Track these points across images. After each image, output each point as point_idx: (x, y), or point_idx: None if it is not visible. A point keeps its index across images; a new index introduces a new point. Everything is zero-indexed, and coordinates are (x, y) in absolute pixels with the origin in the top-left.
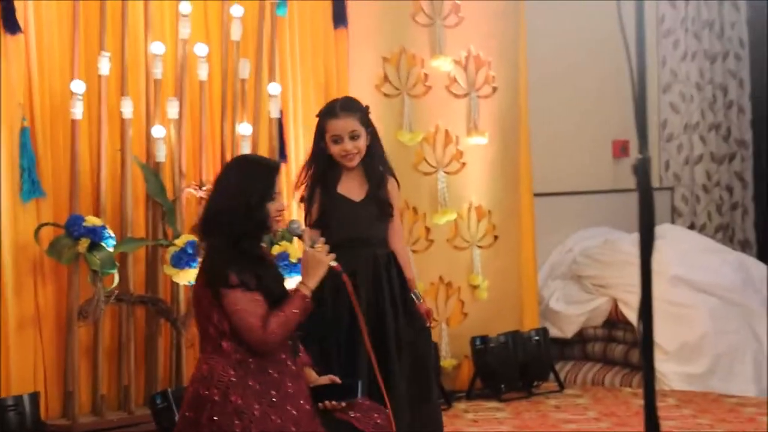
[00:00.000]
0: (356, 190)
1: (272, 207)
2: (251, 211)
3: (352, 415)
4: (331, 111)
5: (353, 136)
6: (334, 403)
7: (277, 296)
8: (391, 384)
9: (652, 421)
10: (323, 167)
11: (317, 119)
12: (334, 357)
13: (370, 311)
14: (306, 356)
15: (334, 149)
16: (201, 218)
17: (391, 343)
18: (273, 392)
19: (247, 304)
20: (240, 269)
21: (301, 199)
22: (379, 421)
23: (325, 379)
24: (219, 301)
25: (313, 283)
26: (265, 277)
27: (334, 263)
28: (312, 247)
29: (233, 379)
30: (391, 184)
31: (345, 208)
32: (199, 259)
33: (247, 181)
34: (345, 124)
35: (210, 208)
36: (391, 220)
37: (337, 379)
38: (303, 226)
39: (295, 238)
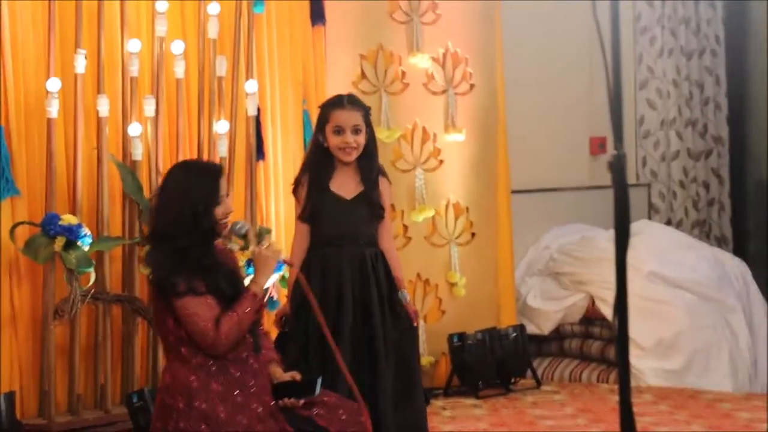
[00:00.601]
0: (348, 187)
1: (219, 211)
2: (199, 219)
3: (315, 412)
4: (338, 102)
5: (356, 130)
6: (292, 400)
7: (230, 297)
8: (380, 384)
9: (627, 417)
10: (318, 158)
11: (320, 110)
12: (312, 355)
13: (356, 310)
14: (273, 352)
15: (335, 140)
16: (150, 230)
17: (380, 342)
18: (237, 392)
19: (197, 308)
20: (187, 275)
21: (294, 186)
22: (344, 417)
23: (286, 376)
24: (171, 309)
25: (264, 280)
26: (216, 279)
27: (283, 256)
28: (259, 244)
29: (195, 385)
30: (383, 185)
31: (335, 205)
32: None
33: (191, 189)
34: (350, 117)
35: (158, 220)
36: (381, 220)
37: (298, 376)
38: (247, 227)
39: (239, 239)
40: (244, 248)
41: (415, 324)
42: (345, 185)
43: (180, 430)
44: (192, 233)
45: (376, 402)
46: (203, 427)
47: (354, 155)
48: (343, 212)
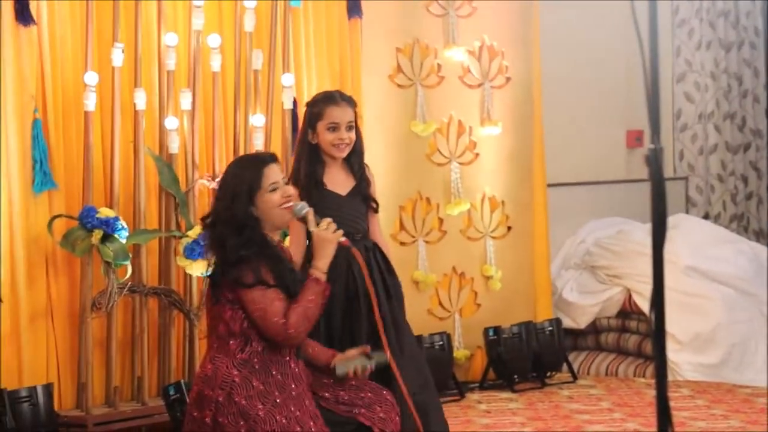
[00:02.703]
0: (341, 183)
1: (274, 197)
2: (238, 206)
3: (356, 412)
4: (331, 98)
5: (350, 127)
6: (362, 367)
7: (293, 287)
8: (392, 376)
9: (664, 411)
10: (309, 156)
11: (309, 107)
12: (336, 335)
13: (364, 300)
14: (324, 349)
15: (329, 137)
16: (208, 222)
17: (390, 330)
18: (276, 393)
19: (266, 303)
20: (255, 266)
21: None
22: (382, 415)
23: (354, 352)
24: (237, 300)
25: (324, 264)
26: (281, 270)
27: (342, 239)
28: (318, 226)
29: (237, 380)
30: (369, 175)
31: (333, 202)
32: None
33: (236, 179)
34: (345, 113)
35: (212, 212)
36: (372, 213)
37: (368, 349)
38: (307, 208)
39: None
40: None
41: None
42: (338, 181)
43: (217, 423)
44: (239, 222)
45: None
46: (241, 422)
47: (347, 151)
48: (341, 208)
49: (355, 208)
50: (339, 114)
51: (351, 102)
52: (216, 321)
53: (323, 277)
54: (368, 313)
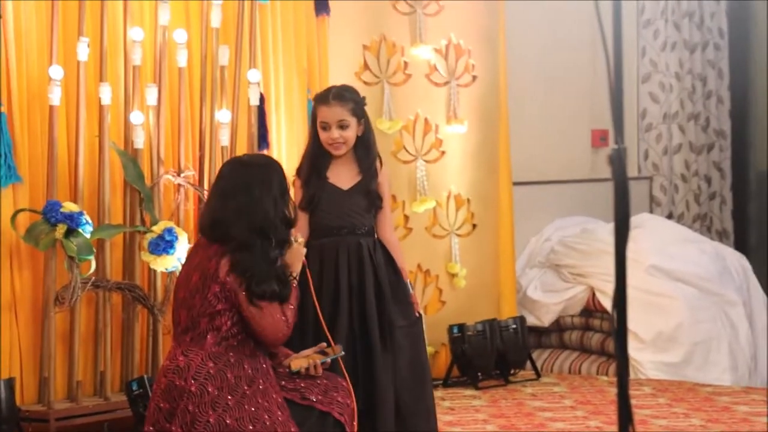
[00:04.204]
0: (345, 178)
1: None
2: (280, 209)
3: (314, 399)
4: (323, 98)
5: (341, 126)
6: (320, 362)
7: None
8: (377, 375)
9: (625, 409)
10: (315, 149)
11: (313, 101)
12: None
13: (353, 300)
14: (281, 348)
15: (322, 135)
16: (247, 224)
17: (374, 332)
18: (245, 387)
19: (278, 312)
20: (279, 281)
21: (295, 176)
22: (339, 399)
23: (308, 351)
24: (248, 306)
25: (296, 274)
26: (289, 281)
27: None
28: (295, 241)
29: (212, 372)
30: (383, 176)
31: (333, 195)
32: (224, 258)
33: (264, 182)
34: (334, 113)
35: (256, 213)
36: (380, 211)
37: (323, 346)
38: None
39: None
40: None
41: (417, 314)
42: (342, 175)
43: (188, 412)
44: (281, 230)
45: (374, 391)
46: (210, 412)
47: (343, 149)
48: (340, 202)
49: (356, 203)
50: (327, 114)
51: (345, 100)
52: (197, 316)
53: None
54: (349, 308)
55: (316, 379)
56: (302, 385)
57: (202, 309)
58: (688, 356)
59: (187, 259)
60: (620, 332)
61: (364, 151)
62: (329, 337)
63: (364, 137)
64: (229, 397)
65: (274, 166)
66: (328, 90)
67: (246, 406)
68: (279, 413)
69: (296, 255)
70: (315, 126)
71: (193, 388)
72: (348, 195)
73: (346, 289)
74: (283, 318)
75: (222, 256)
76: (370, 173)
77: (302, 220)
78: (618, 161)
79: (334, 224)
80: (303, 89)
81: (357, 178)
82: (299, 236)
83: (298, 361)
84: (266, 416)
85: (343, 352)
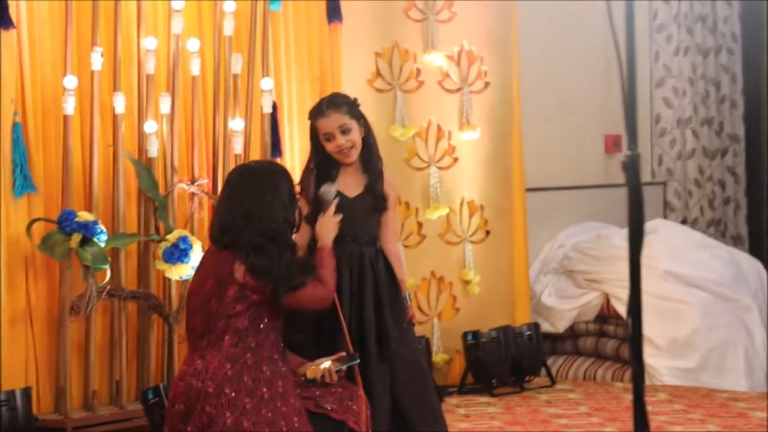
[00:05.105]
0: (352, 185)
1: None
2: (291, 213)
3: (329, 408)
4: (318, 111)
5: (344, 130)
6: (335, 369)
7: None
8: (373, 384)
9: (641, 415)
10: (320, 161)
11: (310, 120)
12: (313, 345)
13: (352, 304)
14: (294, 356)
15: (329, 147)
16: (257, 229)
17: (371, 341)
18: (264, 389)
19: (313, 286)
20: (302, 271)
21: (300, 189)
22: (355, 408)
23: (323, 360)
24: (282, 301)
25: (329, 243)
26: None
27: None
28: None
29: (229, 373)
30: (388, 185)
31: (338, 203)
32: (238, 261)
33: (275, 190)
34: (332, 121)
35: (266, 218)
36: (384, 217)
37: (343, 353)
38: (335, 193)
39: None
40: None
41: (411, 321)
42: (349, 183)
43: (205, 413)
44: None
45: (368, 399)
46: (228, 414)
47: (354, 154)
48: (345, 211)
49: (362, 211)
50: (327, 124)
51: (339, 105)
52: (213, 318)
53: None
54: (348, 316)
55: (331, 387)
56: (317, 393)
57: (220, 311)
58: (704, 362)
59: (199, 266)
60: (635, 339)
61: (367, 153)
62: (349, 343)
63: (366, 140)
64: (247, 400)
65: (282, 173)
66: (320, 103)
67: (263, 411)
68: (296, 419)
69: (330, 226)
70: (317, 141)
71: (210, 390)
72: (353, 202)
73: (347, 296)
74: (321, 286)
75: (235, 259)
76: (374, 174)
77: (305, 231)
78: (632, 167)
79: (338, 232)
80: (315, 97)
81: (363, 184)
82: (338, 215)
83: (314, 369)
84: (282, 422)
85: (359, 360)
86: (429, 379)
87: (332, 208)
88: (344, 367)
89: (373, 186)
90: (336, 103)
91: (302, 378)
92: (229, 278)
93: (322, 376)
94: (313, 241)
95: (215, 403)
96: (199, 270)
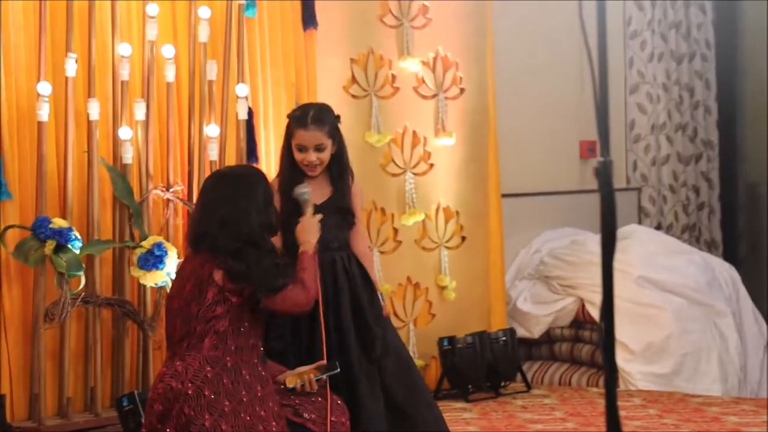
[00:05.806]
0: (319, 192)
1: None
2: (268, 216)
3: (307, 417)
4: (301, 121)
5: (319, 149)
6: (314, 378)
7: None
8: (353, 383)
9: (614, 421)
10: (287, 167)
11: (287, 119)
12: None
13: (328, 311)
14: (274, 364)
15: (298, 156)
16: (232, 235)
17: (351, 344)
18: (243, 392)
19: (292, 289)
20: (281, 274)
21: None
22: (334, 418)
23: (304, 368)
24: (262, 305)
25: (311, 246)
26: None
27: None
28: (313, 216)
29: (209, 375)
30: (356, 189)
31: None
32: (216, 265)
33: (249, 196)
34: (312, 137)
35: (241, 223)
36: (352, 226)
37: (323, 362)
38: (308, 194)
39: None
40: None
41: (387, 318)
42: (315, 191)
43: (184, 414)
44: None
45: (354, 401)
46: (207, 416)
47: (318, 170)
48: None
49: (329, 217)
50: (305, 137)
51: (323, 124)
52: (192, 321)
53: (310, 249)
54: (326, 323)
55: (310, 396)
56: (296, 401)
57: (200, 314)
58: (678, 367)
59: (179, 270)
60: (608, 344)
61: (337, 167)
62: (325, 354)
63: (336, 154)
64: (227, 403)
65: (257, 176)
66: (305, 112)
67: (242, 414)
68: (274, 423)
69: (313, 228)
70: (288, 143)
71: (189, 391)
72: (320, 210)
73: (323, 306)
74: (301, 289)
75: (214, 262)
76: (343, 191)
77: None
78: (604, 174)
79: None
80: (291, 103)
81: (328, 193)
82: (317, 216)
83: (293, 378)
84: (261, 426)
85: (338, 369)
86: (416, 369)
87: (310, 209)
88: (324, 377)
89: (338, 201)
90: (322, 120)
91: (282, 387)
92: (209, 280)
93: (302, 385)
94: (294, 244)
95: (194, 404)
96: (179, 273)
